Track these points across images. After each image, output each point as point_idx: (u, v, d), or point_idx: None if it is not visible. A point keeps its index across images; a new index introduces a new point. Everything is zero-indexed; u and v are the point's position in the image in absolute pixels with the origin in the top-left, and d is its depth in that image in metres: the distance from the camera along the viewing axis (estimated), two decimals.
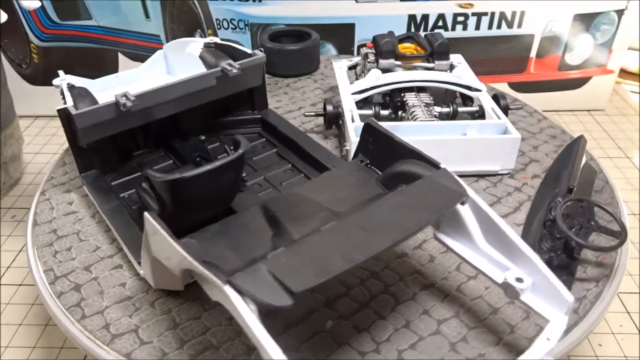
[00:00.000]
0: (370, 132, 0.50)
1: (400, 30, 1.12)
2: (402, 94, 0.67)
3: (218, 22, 1.04)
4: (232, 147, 0.50)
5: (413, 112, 0.64)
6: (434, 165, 0.44)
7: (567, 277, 0.47)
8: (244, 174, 0.57)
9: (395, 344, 0.42)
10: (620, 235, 0.46)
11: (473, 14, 1.14)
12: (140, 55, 1.14)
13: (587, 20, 1.18)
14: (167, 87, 0.56)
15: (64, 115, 0.53)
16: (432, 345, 0.42)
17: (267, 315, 0.45)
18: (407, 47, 0.71)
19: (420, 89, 0.67)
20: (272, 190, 0.57)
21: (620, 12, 1.16)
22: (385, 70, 0.69)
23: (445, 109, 0.67)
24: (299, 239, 0.40)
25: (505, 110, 0.67)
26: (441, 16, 1.14)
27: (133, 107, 0.53)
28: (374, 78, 0.66)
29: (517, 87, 1.23)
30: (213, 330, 0.44)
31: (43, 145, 1.16)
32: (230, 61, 0.59)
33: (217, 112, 0.67)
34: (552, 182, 0.56)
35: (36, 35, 1.11)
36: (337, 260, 0.34)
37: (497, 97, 0.67)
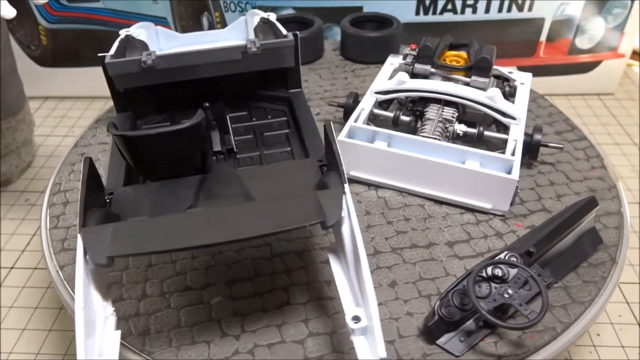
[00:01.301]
0: (325, 135, 0.50)
1: (408, 13, 1.08)
2: (428, 104, 0.63)
3: (225, 4, 1.06)
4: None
5: (424, 125, 0.60)
6: (341, 182, 0.43)
7: (465, 339, 0.43)
8: (234, 144, 0.61)
9: (257, 338, 0.44)
10: (530, 316, 0.40)
11: None
12: None
13: (600, 4, 1.10)
14: (192, 52, 0.62)
15: (102, 61, 0.63)
16: (286, 351, 0.43)
17: (175, 275, 0.50)
18: (455, 56, 0.66)
19: (448, 103, 0.63)
20: (257, 167, 0.60)
21: None
22: (418, 76, 0.65)
23: (471, 130, 0.61)
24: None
25: (536, 146, 0.60)
26: None
27: (156, 65, 0.60)
28: (397, 81, 0.63)
29: (527, 71, 1.26)
30: (129, 271, 0.50)
31: (53, 128, 1.18)
32: (255, 39, 0.63)
33: (253, 85, 0.71)
34: (524, 238, 0.50)
35: (44, 17, 1.15)
36: (159, 241, 0.37)
37: (534, 129, 0.60)
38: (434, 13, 1.11)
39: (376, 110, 0.65)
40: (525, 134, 0.60)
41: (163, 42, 0.77)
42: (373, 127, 0.59)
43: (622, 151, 1.08)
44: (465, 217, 0.56)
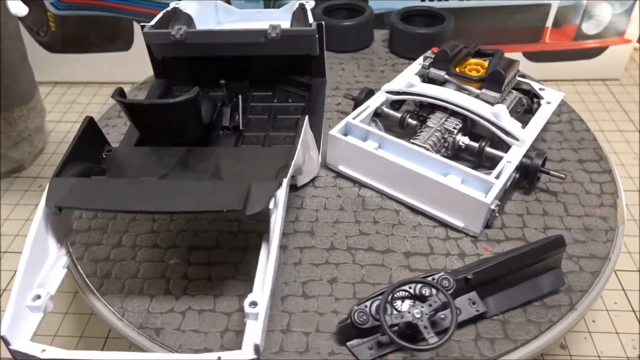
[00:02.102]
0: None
1: (413, 2, 1.04)
2: (434, 111, 0.62)
3: None
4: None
5: (421, 131, 0.60)
6: (282, 176, 0.45)
7: (375, 348, 0.44)
8: (241, 122, 0.65)
9: (193, 302, 0.49)
10: (430, 340, 0.40)
11: None
12: None
13: None
14: (220, 31, 0.67)
15: (142, 30, 0.69)
16: (212, 320, 0.47)
17: (150, 232, 0.56)
18: (476, 64, 0.63)
19: (454, 113, 0.61)
20: (242, 148, 0.64)
21: None
22: (434, 81, 0.64)
23: (473, 144, 0.60)
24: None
25: (534, 172, 0.56)
26: None
27: (185, 40, 0.65)
28: (407, 84, 0.62)
29: (532, 56, 1.23)
30: (115, 221, 0.57)
31: (64, 114, 1.19)
32: (278, 25, 0.65)
33: (281, 68, 0.74)
34: (474, 264, 0.48)
35: (52, 4, 1.16)
36: (100, 201, 0.42)
37: (536, 154, 0.57)
38: None
39: (386, 109, 0.65)
40: (528, 157, 0.57)
41: (222, 16, 0.82)
42: (366, 126, 0.60)
43: (625, 138, 1.07)
44: (436, 230, 0.55)
